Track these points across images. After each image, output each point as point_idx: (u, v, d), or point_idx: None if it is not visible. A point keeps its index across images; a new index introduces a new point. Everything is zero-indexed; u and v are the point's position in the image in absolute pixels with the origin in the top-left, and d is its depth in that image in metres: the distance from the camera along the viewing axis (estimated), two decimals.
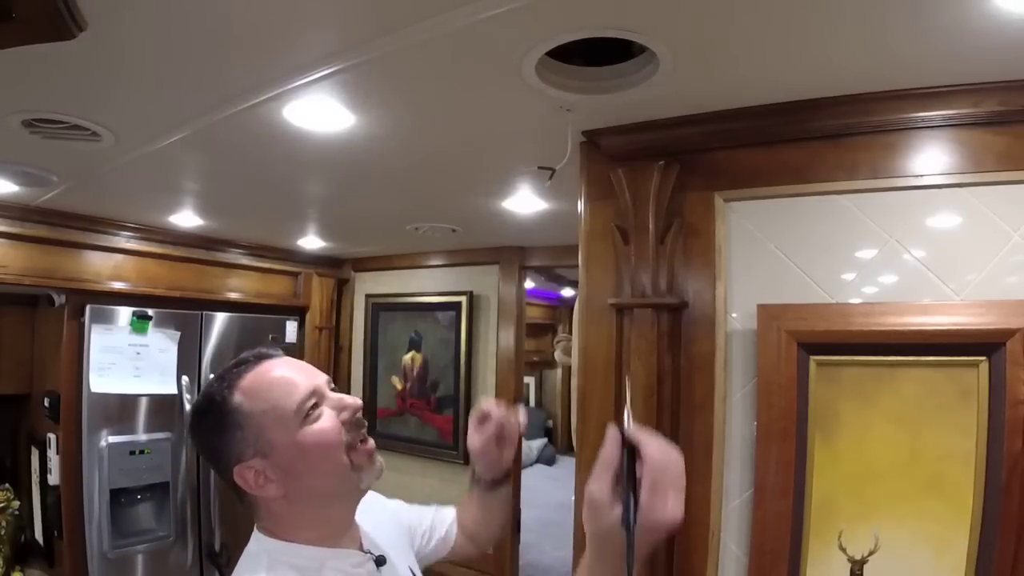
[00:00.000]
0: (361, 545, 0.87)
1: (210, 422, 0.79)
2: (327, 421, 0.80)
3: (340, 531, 0.85)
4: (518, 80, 1.08)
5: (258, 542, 0.81)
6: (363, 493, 0.86)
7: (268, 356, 0.84)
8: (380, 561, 0.86)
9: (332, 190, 2.04)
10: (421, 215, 2.43)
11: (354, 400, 0.84)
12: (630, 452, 0.66)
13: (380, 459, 0.85)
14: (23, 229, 2.24)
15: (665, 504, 0.63)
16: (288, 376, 0.81)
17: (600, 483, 0.66)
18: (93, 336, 2.40)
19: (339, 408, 0.82)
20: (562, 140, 1.20)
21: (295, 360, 0.86)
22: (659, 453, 0.65)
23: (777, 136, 1.19)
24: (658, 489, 0.63)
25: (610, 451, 0.67)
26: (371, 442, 0.84)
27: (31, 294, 2.52)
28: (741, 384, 1.22)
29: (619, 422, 0.69)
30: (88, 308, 2.40)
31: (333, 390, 0.84)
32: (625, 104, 1.18)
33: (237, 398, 0.78)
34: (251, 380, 0.80)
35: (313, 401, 0.80)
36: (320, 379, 0.83)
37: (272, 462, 0.77)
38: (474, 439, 1.05)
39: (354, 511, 0.88)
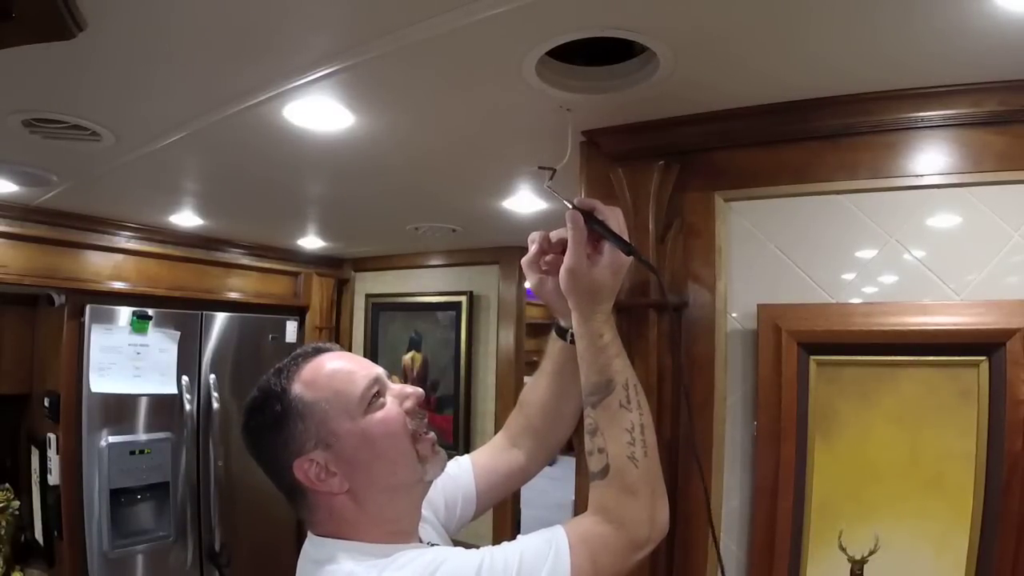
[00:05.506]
0: (420, 537, 0.85)
1: (268, 416, 0.77)
2: (392, 409, 0.79)
3: (408, 528, 0.82)
4: (518, 80, 1.08)
5: (321, 547, 0.77)
6: (427, 486, 0.84)
7: (325, 349, 0.83)
8: None
9: (332, 190, 2.04)
10: (421, 215, 2.43)
11: (415, 389, 0.83)
12: (591, 216, 0.86)
13: (443, 451, 0.84)
14: (23, 229, 2.24)
15: (629, 239, 0.87)
16: (348, 366, 0.80)
17: (578, 256, 0.84)
18: (93, 336, 2.40)
19: (401, 397, 0.81)
20: (562, 140, 1.20)
21: (351, 353, 0.85)
22: (608, 210, 0.87)
23: (777, 136, 1.19)
24: (623, 232, 0.87)
25: (580, 231, 0.85)
26: (432, 433, 0.83)
27: (31, 294, 2.51)
28: (741, 384, 1.22)
29: (576, 207, 0.86)
30: (88, 308, 2.40)
31: (392, 380, 0.83)
32: (625, 104, 1.17)
33: (297, 388, 0.77)
34: (311, 371, 0.79)
35: (376, 389, 0.79)
36: (378, 369, 0.83)
37: (335, 453, 0.75)
38: (545, 282, 0.94)
39: (420, 506, 0.85)
